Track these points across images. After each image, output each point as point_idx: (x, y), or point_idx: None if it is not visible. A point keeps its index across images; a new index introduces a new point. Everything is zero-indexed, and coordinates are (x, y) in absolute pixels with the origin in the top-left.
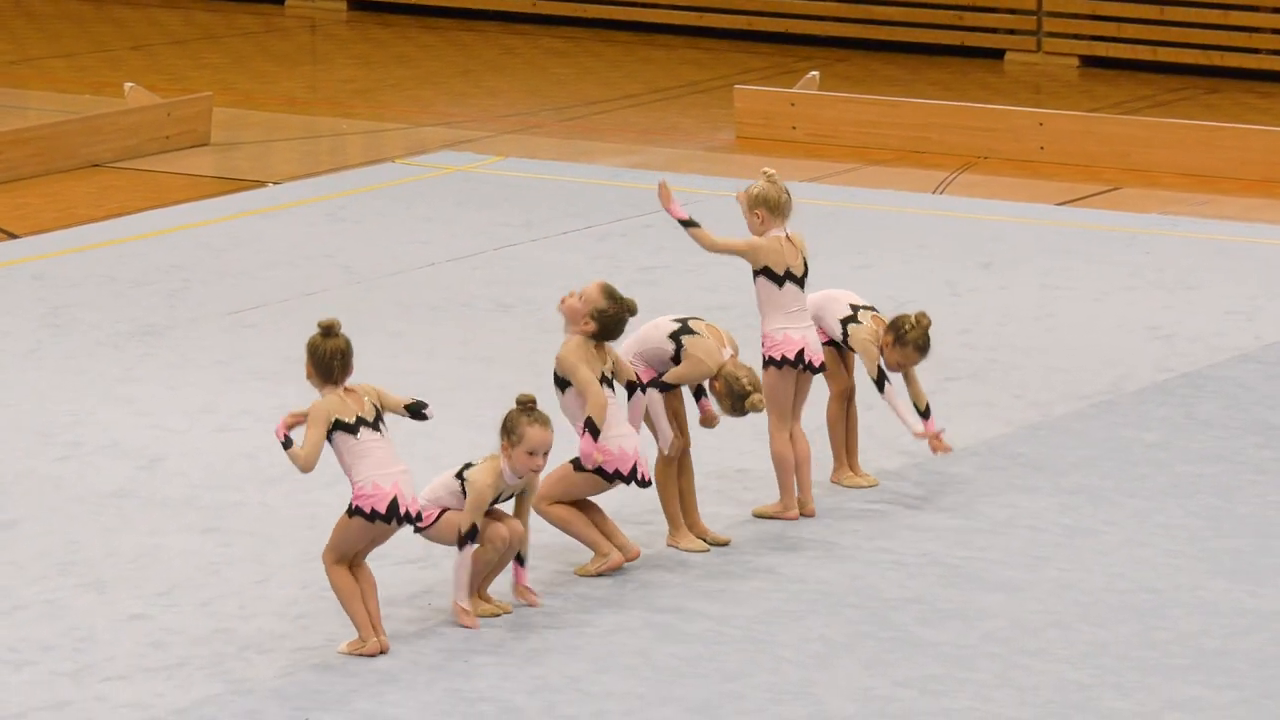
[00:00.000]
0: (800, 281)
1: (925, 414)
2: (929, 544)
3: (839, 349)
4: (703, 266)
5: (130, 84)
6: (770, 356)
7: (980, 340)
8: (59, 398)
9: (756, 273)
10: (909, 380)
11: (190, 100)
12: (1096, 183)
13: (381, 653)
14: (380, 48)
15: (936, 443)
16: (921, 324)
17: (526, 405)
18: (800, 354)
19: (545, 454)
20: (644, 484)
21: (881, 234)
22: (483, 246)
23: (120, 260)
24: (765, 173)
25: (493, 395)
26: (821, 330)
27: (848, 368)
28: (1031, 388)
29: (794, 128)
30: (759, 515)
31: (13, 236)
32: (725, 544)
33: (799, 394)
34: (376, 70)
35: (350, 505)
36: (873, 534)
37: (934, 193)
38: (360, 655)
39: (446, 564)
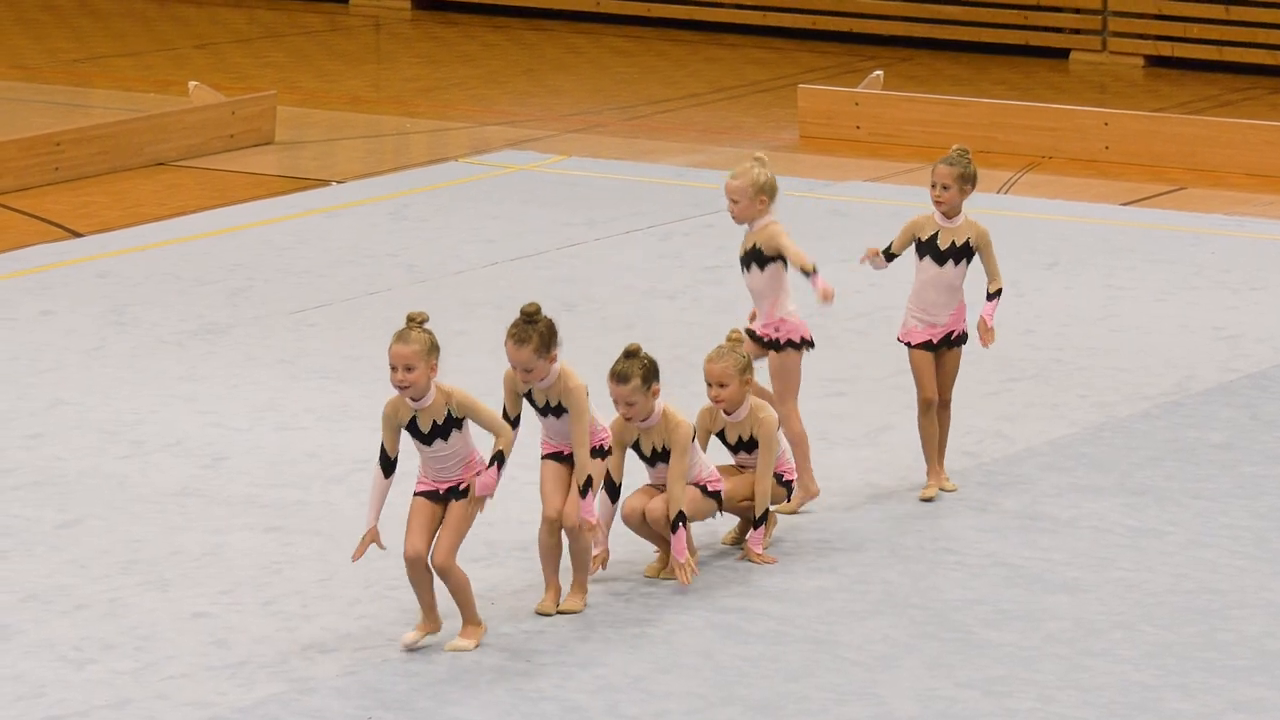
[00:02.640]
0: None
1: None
2: (993, 544)
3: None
4: None
5: (195, 82)
6: (790, 339)
7: (1044, 340)
8: (122, 396)
9: (771, 259)
10: None
11: (254, 99)
12: (1161, 183)
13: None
14: (444, 46)
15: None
16: None
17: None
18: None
19: (405, 369)
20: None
21: None
22: (546, 246)
23: (184, 259)
24: (757, 157)
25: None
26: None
27: (942, 380)
28: (1096, 388)
29: (858, 127)
30: (783, 513)
31: (77, 235)
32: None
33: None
34: (440, 69)
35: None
36: (936, 535)
37: (998, 192)
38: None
39: (511, 562)
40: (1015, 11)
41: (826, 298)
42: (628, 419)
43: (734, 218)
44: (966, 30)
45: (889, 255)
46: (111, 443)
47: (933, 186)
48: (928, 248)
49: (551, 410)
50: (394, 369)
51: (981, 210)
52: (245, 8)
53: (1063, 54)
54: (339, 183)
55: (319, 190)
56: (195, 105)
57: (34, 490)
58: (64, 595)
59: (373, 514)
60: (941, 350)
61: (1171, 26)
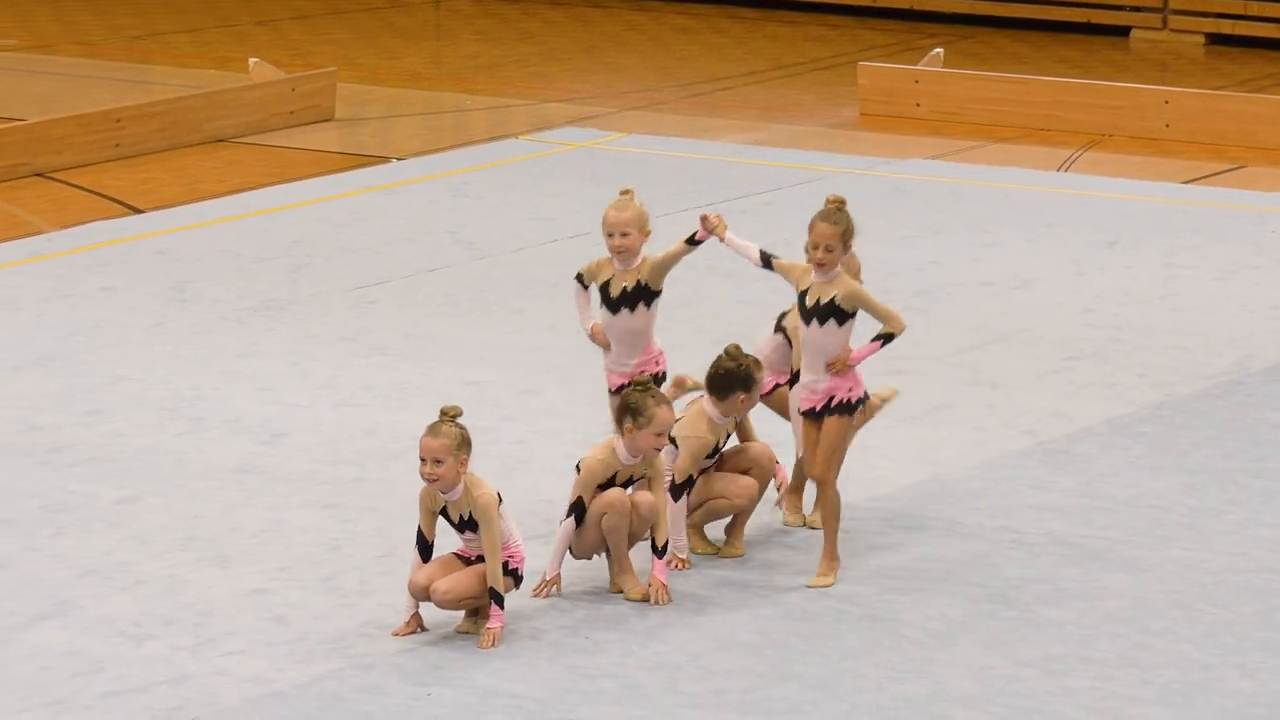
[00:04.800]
0: None
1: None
2: (1051, 523)
3: None
4: None
5: (255, 59)
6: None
7: (1104, 319)
8: (182, 373)
9: (657, 294)
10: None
11: (314, 75)
12: (1222, 161)
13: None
14: (504, 24)
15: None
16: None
17: (647, 386)
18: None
19: (435, 461)
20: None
21: (1005, 212)
22: None
23: (244, 236)
24: (627, 190)
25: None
26: None
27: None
28: (1155, 367)
29: (918, 105)
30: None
31: (138, 211)
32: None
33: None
34: (500, 46)
35: None
36: (995, 513)
37: (1059, 170)
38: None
39: None
40: None
41: (710, 226)
42: (658, 449)
43: (619, 252)
44: (1028, 8)
45: (765, 258)
46: (171, 419)
47: (814, 248)
48: (799, 301)
49: (467, 524)
50: (423, 461)
51: (1042, 188)
52: None
53: (1124, 32)
54: (399, 160)
55: (378, 167)
56: (255, 82)
57: (93, 466)
58: (123, 571)
59: (556, 562)
60: (822, 418)
61: (1232, 4)
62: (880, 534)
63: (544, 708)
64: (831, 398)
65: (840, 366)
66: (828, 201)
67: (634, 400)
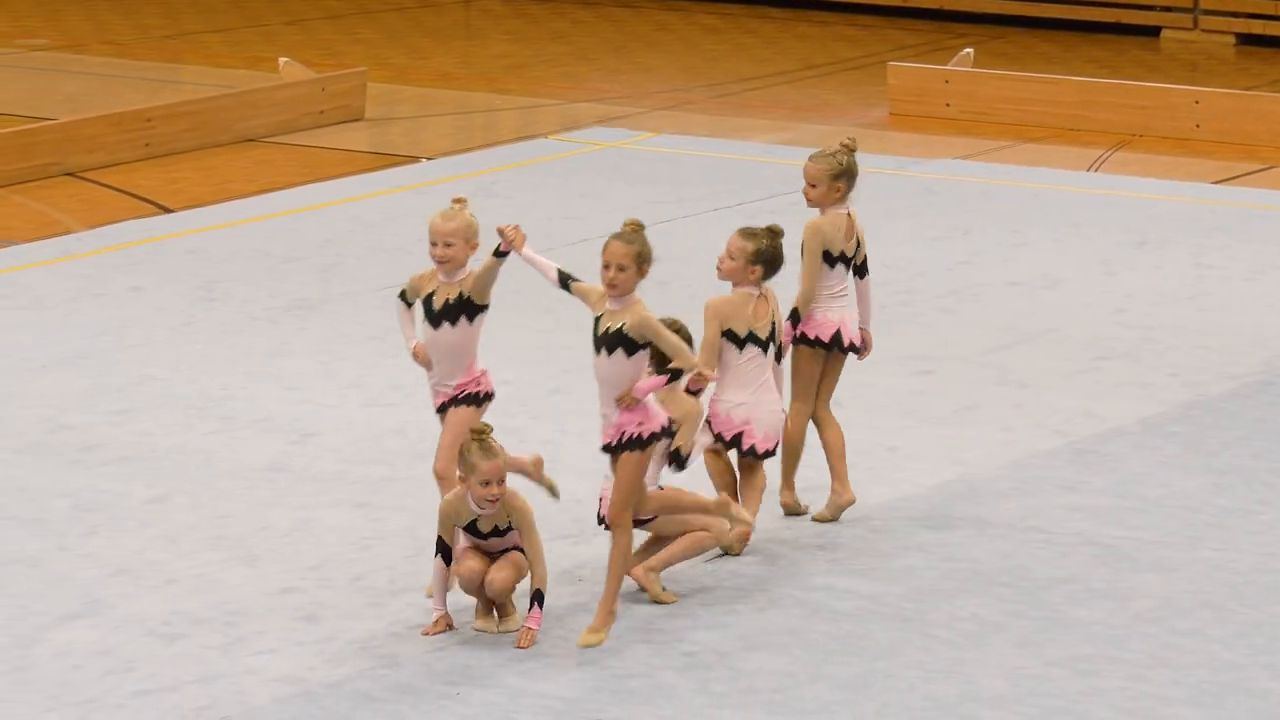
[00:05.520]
0: (849, 263)
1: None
2: (1081, 523)
3: None
4: None
5: (285, 59)
6: (802, 334)
7: (1134, 319)
8: (211, 372)
9: (482, 308)
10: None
11: (344, 75)
12: (1252, 161)
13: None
14: (534, 24)
15: None
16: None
17: (482, 433)
18: (836, 336)
19: (499, 481)
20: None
21: (1035, 211)
22: None
23: (273, 235)
24: (845, 144)
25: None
26: None
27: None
28: (1185, 367)
29: (948, 104)
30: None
31: (168, 211)
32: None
33: (827, 376)
34: (530, 46)
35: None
36: (1025, 513)
37: (1088, 170)
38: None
39: (598, 541)
40: None
41: (507, 239)
42: (490, 500)
43: (442, 262)
44: (1058, 8)
45: (564, 278)
46: (200, 418)
47: (605, 267)
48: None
49: (496, 534)
50: (433, 244)
51: (1071, 188)
52: None
53: (1154, 32)
54: (428, 159)
55: (408, 167)
56: (285, 81)
57: (122, 465)
58: (153, 570)
59: (440, 600)
60: (617, 455)
61: (1263, 4)
62: (909, 534)
63: (573, 708)
64: (622, 433)
65: (628, 401)
66: (625, 225)
67: (463, 449)
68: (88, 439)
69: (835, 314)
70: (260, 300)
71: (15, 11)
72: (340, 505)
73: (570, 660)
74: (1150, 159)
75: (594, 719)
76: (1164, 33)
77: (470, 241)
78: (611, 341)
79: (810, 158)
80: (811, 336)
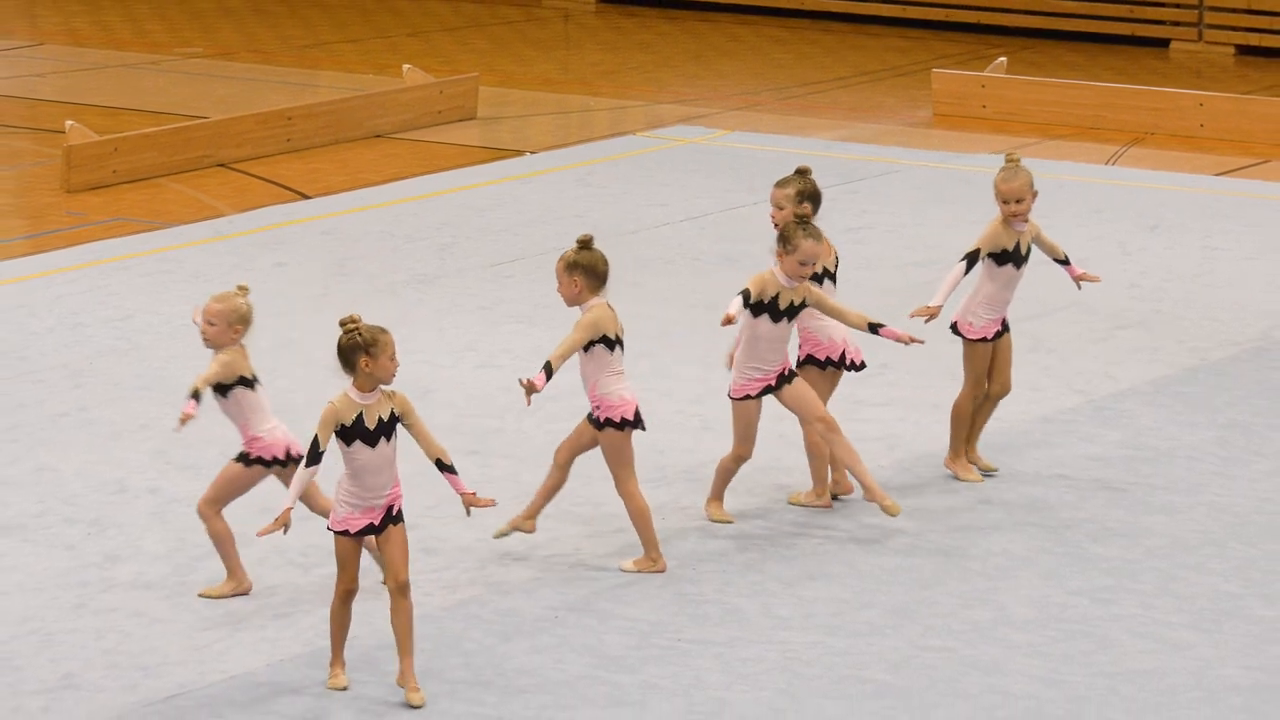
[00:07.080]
0: (834, 278)
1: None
2: (1100, 471)
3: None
4: (902, 227)
5: (408, 65)
6: (811, 355)
7: (1147, 294)
8: None
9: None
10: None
11: (459, 80)
12: (1251, 156)
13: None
14: (624, 35)
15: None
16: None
17: (804, 220)
18: (843, 355)
19: (814, 264)
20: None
21: (1060, 200)
22: (711, 209)
23: (397, 218)
24: (242, 286)
25: (720, 336)
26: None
27: (994, 372)
28: (1191, 335)
29: (984, 107)
30: (793, 502)
31: (306, 197)
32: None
33: (827, 390)
34: (621, 55)
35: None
36: (1050, 462)
37: (1107, 164)
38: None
39: (678, 484)
40: (1123, 5)
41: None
42: (802, 277)
43: (204, 336)
44: (1080, 22)
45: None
46: (333, 378)
47: (803, 264)
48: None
49: (385, 429)
50: (805, 264)
51: (1092, 180)
52: (452, 2)
53: (1163, 43)
54: (532, 153)
55: (515, 160)
56: (408, 85)
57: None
58: (300, 509)
59: (292, 499)
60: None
61: (1260, 19)
62: (949, 480)
63: (656, 629)
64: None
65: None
66: (578, 240)
67: (786, 229)
68: None
69: (839, 333)
70: (385, 275)
71: (173, 24)
72: (454, 453)
73: (653, 588)
74: (1161, 154)
75: (674, 638)
76: (1173, 44)
77: (233, 326)
78: (794, 312)
79: (776, 184)
80: (822, 358)
